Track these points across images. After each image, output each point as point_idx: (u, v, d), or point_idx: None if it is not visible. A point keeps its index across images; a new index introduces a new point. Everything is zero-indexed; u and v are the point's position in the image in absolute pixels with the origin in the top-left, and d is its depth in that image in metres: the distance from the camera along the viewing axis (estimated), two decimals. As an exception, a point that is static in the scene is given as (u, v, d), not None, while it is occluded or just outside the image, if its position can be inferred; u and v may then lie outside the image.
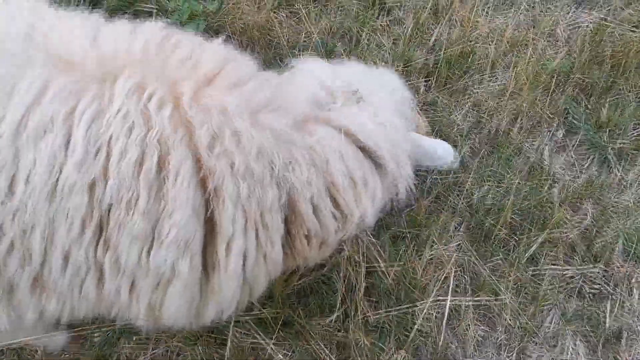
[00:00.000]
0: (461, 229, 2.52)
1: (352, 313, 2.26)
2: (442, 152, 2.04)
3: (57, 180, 1.36)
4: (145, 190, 1.39)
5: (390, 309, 2.29)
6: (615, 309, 2.36)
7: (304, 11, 2.99)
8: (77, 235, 1.40)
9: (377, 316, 2.27)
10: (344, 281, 2.31)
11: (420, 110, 2.80)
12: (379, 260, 2.30)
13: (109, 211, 1.40)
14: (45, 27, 1.50)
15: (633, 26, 2.93)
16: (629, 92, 2.81)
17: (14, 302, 1.49)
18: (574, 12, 3.05)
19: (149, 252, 1.44)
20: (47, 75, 1.39)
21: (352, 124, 1.72)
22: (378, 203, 1.79)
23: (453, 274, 2.37)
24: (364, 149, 1.73)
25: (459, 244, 2.48)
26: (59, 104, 1.37)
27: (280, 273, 1.78)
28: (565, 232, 2.46)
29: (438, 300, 2.33)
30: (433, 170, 2.63)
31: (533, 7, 3.09)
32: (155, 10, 2.99)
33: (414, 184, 1.92)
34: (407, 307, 2.30)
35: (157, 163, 1.40)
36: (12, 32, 1.45)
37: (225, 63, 1.60)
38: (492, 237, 2.50)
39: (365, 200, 1.75)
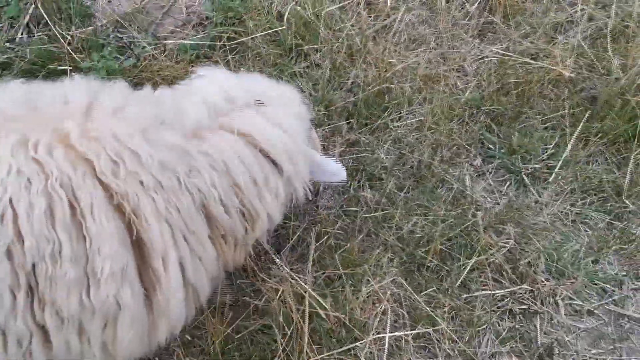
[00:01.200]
0: (394, 264, 2.58)
1: (296, 359, 2.25)
2: (335, 169, 2.14)
3: None
4: (65, 237, 1.39)
5: (332, 351, 2.30)
6: (545, 325, 2.47)
7: (222, 62, 3.03)
8: (10, 306, 1.37)
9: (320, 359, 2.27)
10: (283, 328, 2.31)
11: (344, 150, 2.88)
12: (320, 303, 2.31)
13: (34, 270, 1.38)
14: None
15: (532, 57, 3.14)
16: (535, 118, 3.00)
17: None
18: (478, 46, 3.25)
19: (88, 293, 1.43)
20: None
21: (251, 128, 1.83)
22: (281, 200, 1.92)
23: (390, 309, 2.42)
24: (262, 151, 1.85)
25: (394, 278, 2.53)
26: None
27: (218, 274, 1.83)
28: (492, 256, 2.57)
29: (378, 336, 2.37)
30: (362, 208, 2.70)
31: (441, 45, 3.27)
32: (69, 69, 2.94)
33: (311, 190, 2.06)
34: (349, 348, 2.32)
35: (68, 206, 1.40)
36: None
37: (95, 93, 1.64)
38: (425, 268, 2.57)
39: (269, 198, 1.87)
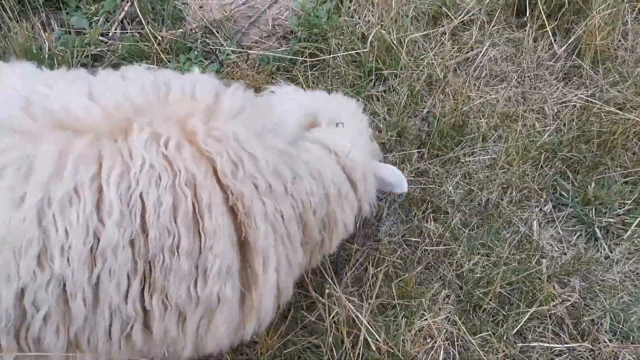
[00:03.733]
0: (450, 300, 2.53)
1: (340, 384, 2.23)
2: (396, 180, 2.19)
3: (96, 244, 1.40)
4: (185, 232, 1.47)
5: (379, 381, 2.27)
6: (603, 389, 2.35)
7: (301, 77, 3.07)
8: (125, 291, 1.46)
9: (365, 388, 2.24)
10: (331, 349, 2.29)
11: (412, 179, 2.85)
12: (373, 333, 2.28)
13: (151, 260, 1.47)
14: (41, 95, 1.53)
15: (618, 107, 3.03)
16: (615, 171, 2.88)
17: None
18: (562, 90, 3.16)
19: (195, 286, 1.52)
20: (60, 147, 1.42)
21: (335, 145, 1.93)
22: (355, 214, 2.01)
23: (443, 347, 2.36)
24: (343, 168, 1.94)
25: (448, 316, 2.48)
26: (82, 173, 1.41)
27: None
28: (554, 308, 2.48)
29: (427, 373, 2.32)
30: (424, 240, 2.66)
31: (522, 84, 3.20)
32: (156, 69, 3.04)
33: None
34: (396, 380, 2.28)
35: (192, 204, 1.48)
36: (12, 110, 1.48)
37: (219, 94, 1.70)
38: (481, 310, 2.51)
39: (348, 210, 1.97)
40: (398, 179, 2.20)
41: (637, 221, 2.71)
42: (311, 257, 1.94)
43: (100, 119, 1.50)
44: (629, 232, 2.70)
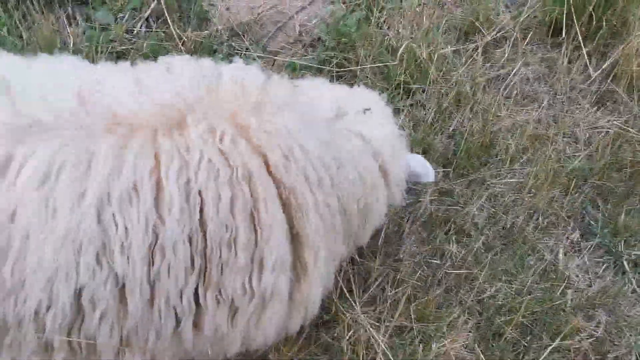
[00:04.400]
0: (469, 326, 2.44)
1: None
2: (423, 169, 2.19)
3: (154, 240, 1.41)
4: (243, 226, 1.48)
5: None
6: None
7: (328, 86, 2.99)
8: (182, 286, 1.47)
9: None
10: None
11: (436, 198, 2.77)
12: (388, 356, 2.20)
13: (208, 255, 1.48)
14: (94, 90, 1.52)
15: (653, 136, 2.94)
16: (647, 202, 2.79)
17: None
18: (595, 114, 3.07)
19: (250, 280, 1.53)
20: (118, 143, 1.42)
21: (367, 133, 1.91)
22: (386, 202, 2.00)
23: (460, 376, 2.28)
24: (374, 155, 1.91)
25: (467, 342, 2.39)
26: (140, 169, 1.41)
27: None
28: (578, 342, 2.38)
29: (442, 401, 2.23)
30: (445, 262, 2.58)
31: (554, 106, 3.11)
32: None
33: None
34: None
35: (249, 198, 1.49)
36: (69, 104, 1.47)
37: (266, 86, 1.70)
38: (502, 338, 2.41)
39: (381, 199, 1.95)
40: (425, 169, 2.20)
41: (668, 256, 2.61)
42: (347, 248, 1.94)
43: (154, 114, 1.50)
44: (659, 268, 2.60)
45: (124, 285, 1.42)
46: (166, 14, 3.28)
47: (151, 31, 3.28)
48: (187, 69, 1.66)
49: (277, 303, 1.60)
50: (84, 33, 3.21)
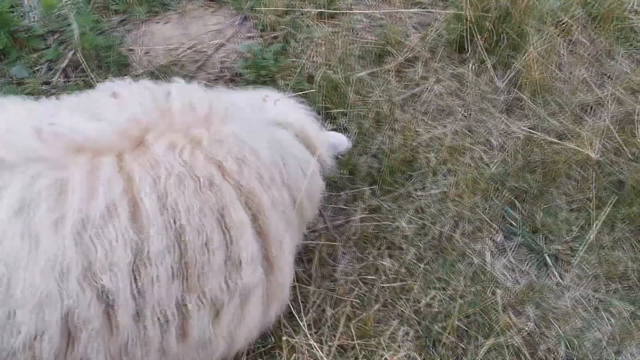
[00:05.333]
0: (409, 337, 2.52)
1: None
2: (339, 139, 2.40)
3: (135, 256, 1.48)
4: (216, 228, 1.61)
5: None
6: (563, 417, 2.37)
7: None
8: (167, 295, 1.55)
9: None
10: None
11: (366, 216, 2.87)
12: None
13: (187, 261, 1.58)
14: (49, 124, 1.56)
15: (558, 137, 3.15)
16: (560, 199, 2.97)
17: None
18: (506, 121, 3.26)
19: (228, 279, 1.65)
20: (87, 168, 1.49)
21: (288, 119, 2.08)
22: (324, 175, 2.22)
23: (403, 387, 2.34)
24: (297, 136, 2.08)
25: (408, 353, 2.46)
26: (113, 190, 1.48)
27: None
28: (510, 338, 2.50)
29: (389, 413, 2.29)
30: (380, 277, 2.66)
31: (468, 117, 3.29)
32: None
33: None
34: None
35: (215, 203, 1.62)
36: (27, 140, 1.52)
37: (210, 100, 1.81)
38: (441, 344, 2.50)
39: (318, 176, 2.14)
40: (339, 138, 2.42)
41: (584, 247, 2.78)
42: (303, 231, 2.18)
43: (115, 138, 1.59)
44: (577, 259, 2.77)
45: (109, 305, 1.47)
46: (84, 64, 3.29)
47: (69, 81, 3.27)
48: (136, 94, 1.76)
49: (256, 297, 1.73)
50: (1, 89, 3.17)
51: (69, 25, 3.44)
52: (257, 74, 3.30)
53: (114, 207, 1.47)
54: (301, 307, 2.53)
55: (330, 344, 2.42)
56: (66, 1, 3.70)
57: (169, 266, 1.54)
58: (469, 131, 3.25)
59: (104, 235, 1.44)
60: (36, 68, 3.34)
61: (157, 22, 3.68)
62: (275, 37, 3.55)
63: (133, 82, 1.86)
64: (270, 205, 1.74)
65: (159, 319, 1.56)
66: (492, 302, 2.61)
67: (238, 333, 1.77)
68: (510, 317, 2.58)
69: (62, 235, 1.40)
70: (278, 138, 1.94)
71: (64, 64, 3.35)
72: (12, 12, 3.62)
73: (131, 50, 3.50)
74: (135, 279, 1.49)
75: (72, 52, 3.39)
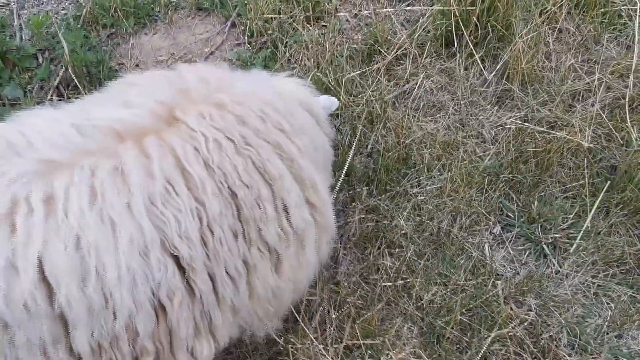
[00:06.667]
0: (413, 334, 2.56)
1: None
2: (329, 102, 2.51)
3: (201, 223, 1.61)
4: (262, 182, 1.73)
5: None
6: (568, 403, 2.42)
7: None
8: (234, 253, 1.68)
9: None
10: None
11: (364, 217, 2.90)
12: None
13: (243, 217, 1.71)
14: (82, 119, 1.66)
15: (550, 126, 3.18)
16: (554, 187, 3.01)
17: None
18: (497, 114, 3.29)
19: (283, 223, 1.78)
20: (137, 151, 1.57)
21: (287, 88, 2.18)
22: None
23: (410, 384, 2.39)
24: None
25: (413, 350, 2.51)
26: (165, 166, 1.59)
27: None
28: (512, 329, 2.54)
29: (398, 410, 2.33)
30: (382, 276, 2.70)
31: (459, 111, 3.32)
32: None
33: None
34: (368, 423, 2.28)
35: (256, 160, 1.73)
36: (70, 138, 1.59)
37: (216, 71, 1.97)
38: (445, 339, 2.55)
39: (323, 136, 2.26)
40: (329, 101, 2.53)
41: (580, 234, 2.82)
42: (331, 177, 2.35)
43: (149, 120, 1.68)
44: (574, 246, 2.81)
45: (188, 272, 1.59)
46: (75, 80, 3.31)
47: (63, 99, 3.29)
48: (152, 81, 1.89)
49: (310, 235, 1.88)
50: (2, 116, 3.19)
51: (59, 42, 3.46)
52: (248, 80, 3.32)
53: (172, 180, 1.58)
54: (301, 309, 2.57)
55: (335, 346, 2.47)
56: (55, 18, 3.72)
57: (230, 225, 1.66)
58: (461, 125, 3.28)
59: (172, 207, 1.55)
60: (29, 88, 3.36)
61: (146, 34, 3.70)
62: (264, 43, 3.58)
63: (146, 72, 2.00)
64: (297, 152, 1.84)
65: (230, 277, 1.68)
66: (493, 294, 2.65)
67: (299, 276, 1.90)
68: (511, 308, 2.62)
69: (136, 214, 1.49)
70: (282, 90, 2.08)
71: (56, 82, 3.37)
72: (3, 32, 3.64)
73: (121, 64, 3.52)
74: (204, 243, 1.61)
75: (63, 70, 3.41)
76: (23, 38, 3.65)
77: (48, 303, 1.39)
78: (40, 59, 3.54)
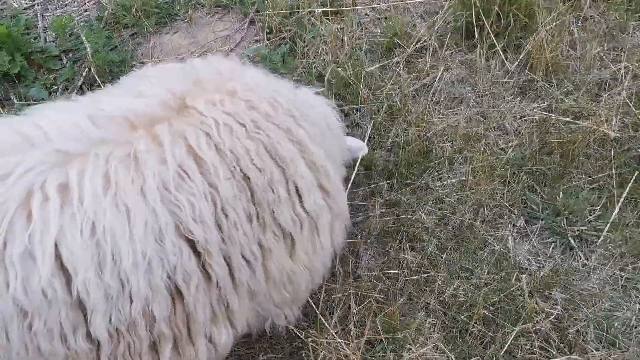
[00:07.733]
0: (436, 328, 2.53)
1: None
2: (359, 144, 2.56)
3: (215, 205, 1.64)
4: (274, 165, 1.75)
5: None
6: (596, 398, 2.36)
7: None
8: (249, 235, 1.69)
9: None
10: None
11: (385, 211, 2.88)
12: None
13: (257, 201, 1.72)
14: (97, 110, 1.69)
15: (575, 116, 3.10)
16: (580, 178, 2.94)
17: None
18: (519, 105, 3.23)
19: (296, 207, 1.80)
20: (149, 139, 1.60)
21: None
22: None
23: (433, 378, 2.36)
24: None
25: (436, 344, 2.48)
26: (177, 152, 1.60)
27: None
28: (538, 323, 2.49)
29: (420, 406, 2.31)
30: (403, 271, 2.68)
31: (480, 103, 3.26)
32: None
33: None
34: (390, 418, 2.26)
35: (268, 144, 1.75)
36: (84, 128, 1.62)
37: (229, 63, 2.01)
38: (468, 334, 2.51)
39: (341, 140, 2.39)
40: (359, 143, 2.57)
41: (607, 226, 2.75)
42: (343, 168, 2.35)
43: (159, 108, 1.70)
44: (601, 238, 2.74)
45: (204, 256, 1.60)
46: (98, 80, 3.36)
47: (86, 99, 3.34)
48: (165, 72, 1.91)
49: (323, 222, 1.88)
50: (20, 111, 3.25)
51: (82, 43, 3.51)
52: (267, 76, 3.32)
53: (184, 165, 1.59)
54: (320, 304, 2.57)
55: (357, 341, 2.45)
56: (78, 19, 3.78)
57: (244, 208, 1.67)
58: (482, 117, 3.23)
59: (185, 192, 1.56)
60: (53, 88, 3.42)
61: (166, 33, 3.73)
62: (283, 39, 3.57)
63: (163, 65, 2.04)
64: (307, 137, 1.85)
65: (246, 260, 1.70)
66: (517, 288, 2.61)
67: (315, 262, 1.91)
68: (537, 302, 2.57)
69: (150, 200, 1.50)
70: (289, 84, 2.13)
71: (80, 82, 3.42)
72: (27, 34, 3.71)
73: (142, 62, 3.56)
74: (219, 226, 1.62)
75: (86, 70, 3.46)
76: (47, 40, 3.72)
77: (66, 290, 1.40)
78: (64, 60, 3.60)
